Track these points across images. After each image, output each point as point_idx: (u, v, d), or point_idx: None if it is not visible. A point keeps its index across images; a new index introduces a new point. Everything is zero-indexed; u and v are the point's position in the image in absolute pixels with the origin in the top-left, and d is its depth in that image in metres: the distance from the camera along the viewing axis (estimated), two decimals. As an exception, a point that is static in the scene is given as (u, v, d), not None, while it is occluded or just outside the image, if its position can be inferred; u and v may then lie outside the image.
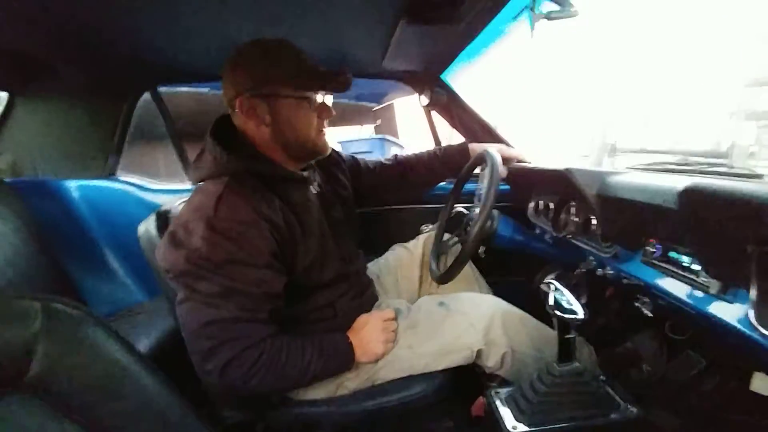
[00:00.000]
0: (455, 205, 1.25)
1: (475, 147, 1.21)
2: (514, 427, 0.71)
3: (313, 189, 0.93)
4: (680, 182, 0.61)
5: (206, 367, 0.72)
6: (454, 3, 0.85)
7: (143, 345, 1.03)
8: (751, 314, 0.50)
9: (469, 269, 1.19)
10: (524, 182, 1.25)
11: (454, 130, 1.44)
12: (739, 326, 0.54)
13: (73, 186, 1.36)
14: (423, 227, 1.50)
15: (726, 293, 0.57)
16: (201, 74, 1.29)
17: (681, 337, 0.86)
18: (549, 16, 0.84)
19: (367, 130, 6.30)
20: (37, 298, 0.43)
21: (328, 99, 0.89)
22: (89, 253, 1.38)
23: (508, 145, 1.37)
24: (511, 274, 1.36)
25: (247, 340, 0.72)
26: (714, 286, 0.58)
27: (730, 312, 0.56)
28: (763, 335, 0.49)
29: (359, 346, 0.85)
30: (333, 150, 0.99)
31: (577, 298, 1.07)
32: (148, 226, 0.86)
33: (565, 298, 0.69)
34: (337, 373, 0.84)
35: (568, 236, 1.04)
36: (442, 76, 1.34)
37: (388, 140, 4.53)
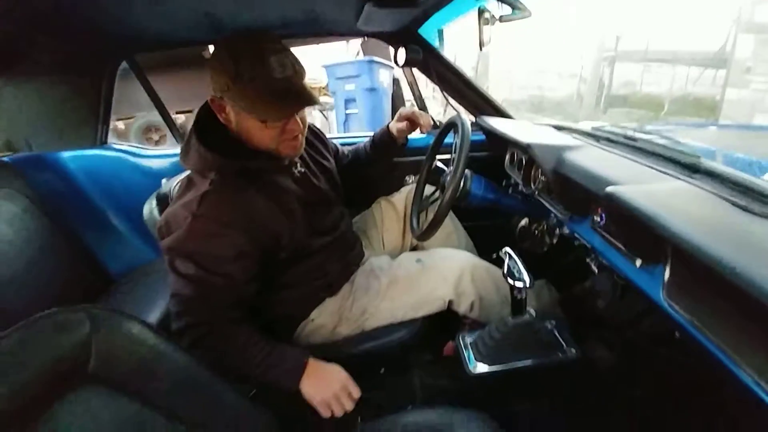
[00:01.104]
0: (435, 158, 1.31)
1: (392, 125, 1.19)
2: (475, 366, 0.87)
3: (296, 171, 0.98)
4: (612, 175, 0.69)
5: (173, 325, 0.83)
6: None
7: (159, 308, 1.17)
8: (663, 292, 0.60)
9: (448, 219, 1.29)
10: (498, 136, 1.30)
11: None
12: (655, 297, 0.64)
13: (69, 157, 1.42)
14: (407, 178, 1.57)
15: (647, 267, 0.67)
16: (176, 41, 1.27)
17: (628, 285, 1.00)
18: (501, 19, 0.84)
19: (353, 48, 5.88)
20: (79, 309, 0.54)
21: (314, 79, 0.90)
22: (96, 220, 1.48)
23: (485, 100, 1.39)
24: (488, 218, 1.48)
25: (198, 318, 0.81)
26: (638, 261, 0.69)
27: (648, 283, 0.67)
28: (671, 307, 0.60)
29: (313, 376, 0.83)
30: (312, 126, 1.03)
31: (542, 245, 1.20)
32: (151, 209, 0.93)
33: (516, 267, 0.81)
34: (278, 385, 0.82)
35: (536, 192, 1.12)
36: (420, 31, 1.30)
37: (377, 62, 4.25)
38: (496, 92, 1.52)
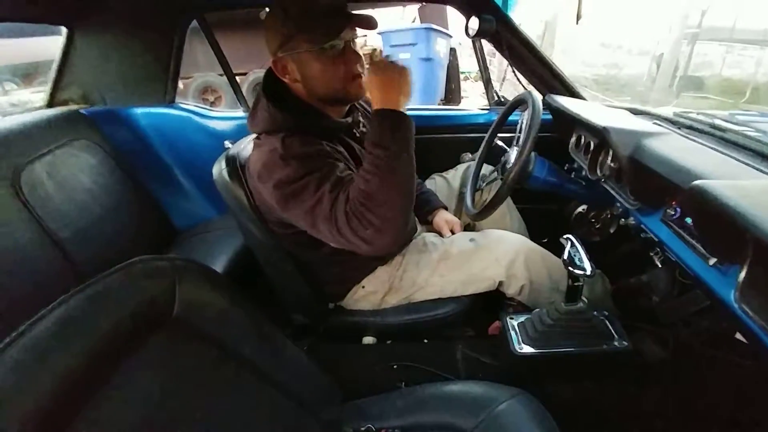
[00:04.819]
0: (497, 135, 1.27)
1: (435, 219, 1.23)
2: (521, 347, 0.88)
3: (357, 132, 0.99)
4: (696, 167, 0.64)
5: (354, 240, 0.76)
6: None
7: (221, 262, 1.26)
8: (736, 293, 0.57)
9: None
10: (567, 116, 1.24)
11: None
12: (725, 298, 0.61)
13: (140, 113, 1.52)
14: (463, 155, 1.55)
15: (720, 267, 0.64)
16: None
17: (689, 282, 0.95)
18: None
19: (410, 14, 5.66)
20: (167, 258, 0.59)
21: (367, 43, 0.89)
22: (164, 176, 1.59)
23: (557, 77, 1.32)
24: (543, 202, 1.44)
25: (345, 199, 0.77)
26: (712, 259, 0.65)
27: (719, 283, 0.64)
28: (742, 310, 0.58)
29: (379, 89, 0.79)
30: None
31: (596, 234, 1.16)
32: (221, 169, 0.98)
33: (578, 255, 0.79)
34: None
35: (602, 179, 1.07)
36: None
37: (435, 30, 4.10)
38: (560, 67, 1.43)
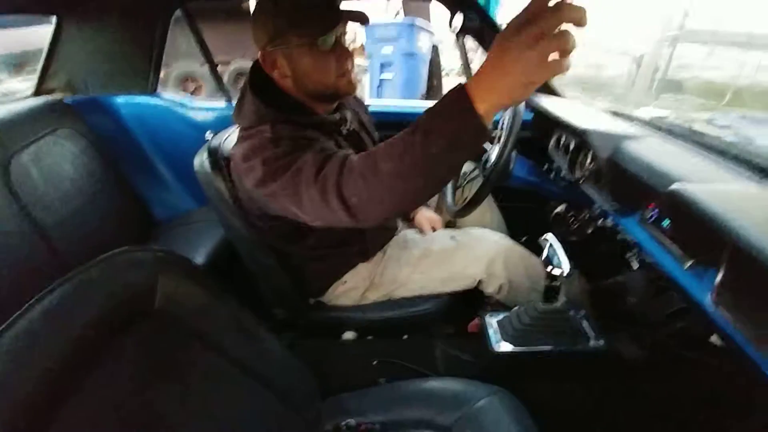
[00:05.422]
0: None
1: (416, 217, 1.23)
2: (499, 346, 0.89)
3: (344, 130, 0.98)
4: (674, 171, 0.66)
5: (337, 207, 0.68)
6: None
7: (201, 255, 1.24)
8: (713, 296, 0.58)
9: None
10: (548, 117, 1.25)
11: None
12: (701, 301, 0.63)
13: (122, 102, 1.48)
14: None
15: (697, 270, 0.66)
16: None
17: (664, 284, 0.98)
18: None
19: (394, 9, 5.62)
20: (149, 249, 0.58)
21: (354, 39, 0.88)
22: (145, 166, 1.55)
23: None
24: (522, 201, 1.46)
25: (338, 162, 0.70)
26: (688, 262, 0.67)
27: (695, 285, 0.65)
28: (718, 313, 0.59)
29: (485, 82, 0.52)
30: (357, 97, 1.02)
31: (574, 233, 1.18)
32: (202, 161, 0.96)
33: (556, 255, 0.80)
34: (463, 131, 0.55)
35: (581, 180, 1.09)
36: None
37: (418, 25, 4.09)
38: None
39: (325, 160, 0.71)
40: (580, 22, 0.45)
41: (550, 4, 0.45)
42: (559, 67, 0.47)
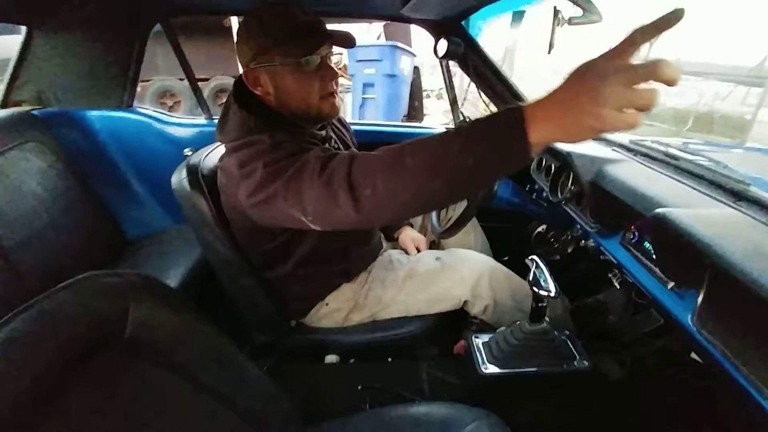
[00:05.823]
0: None
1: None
2: (486, 367, 0.88)
3: (330, 147, 0.96)
4: (656, 195, 0.68)
5: (344, 201, 0.63)
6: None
7: (176, 276, 1.18)
8: (694, 317, 0.60)
9: None
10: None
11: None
12: (682, 320, 0.64)
13: (96, 116, 1.42)
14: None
15: (678, 291, 0.67)
16: (212, 7, 1.25)
17: (644, 302, 1.00)
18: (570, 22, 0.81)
19: (376, 31, 5.76)
20: (119, 274, 0.54)
21: (339, 61, 0.88)
22: (118, 182, 1.49)
23: (518, 98, 1.37)
24: (505, 221, 1.47)
25: (346, 157, 0.66)
26: (670, 283, 0.68)
27: (677, 306, 0.67)
28: (699, 333, 0.60)
29: (545, 110, 0.48)
30: (342, 118, 1.02)
31: (561, 254, 1.20)
32: (181, 179, 0.92)
33: (543, 276, 0.81)
34: (508, 157, 0.52)
35: (563, 201, 1.11)
36: (463, 23, 1.28)
37: (400, 48, 4.20)
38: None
39: (330, 156, 0.68)
40: (671, 83, 0.41)
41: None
42: (635, 122, 0.43)
